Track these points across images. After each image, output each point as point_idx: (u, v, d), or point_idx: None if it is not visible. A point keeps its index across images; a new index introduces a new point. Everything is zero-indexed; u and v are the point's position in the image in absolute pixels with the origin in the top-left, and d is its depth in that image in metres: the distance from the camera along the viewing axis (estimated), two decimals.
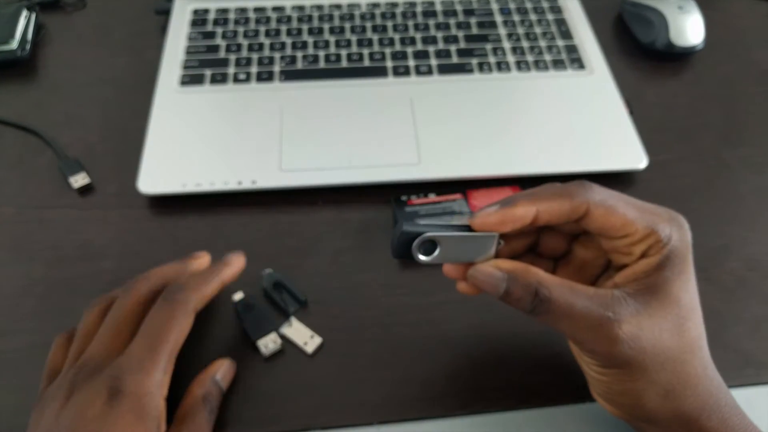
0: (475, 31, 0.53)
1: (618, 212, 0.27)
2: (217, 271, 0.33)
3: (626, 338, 0.25)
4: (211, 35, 0.52)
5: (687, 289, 0.27)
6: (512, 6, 0.55)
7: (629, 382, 0.27)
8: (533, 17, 0.54)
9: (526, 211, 0.27)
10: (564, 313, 0.26)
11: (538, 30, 0.53)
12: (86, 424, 0.26)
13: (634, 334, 0.26)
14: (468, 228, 0.27)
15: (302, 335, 0.36)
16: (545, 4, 0.55)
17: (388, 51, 0.51)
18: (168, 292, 0.31)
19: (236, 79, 0.49)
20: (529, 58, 0.51)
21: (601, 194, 0.27)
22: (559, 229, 0.31)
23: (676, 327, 0.26)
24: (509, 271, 0.27)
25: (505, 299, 0.27)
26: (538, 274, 0.27)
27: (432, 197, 0.42)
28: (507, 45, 0.52)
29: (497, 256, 0.28)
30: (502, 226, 0.27)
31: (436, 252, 0.26)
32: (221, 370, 0.33)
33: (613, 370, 0.27)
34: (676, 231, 0.27)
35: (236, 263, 0.35)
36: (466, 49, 0.51)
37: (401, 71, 0.49)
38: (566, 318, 0.26)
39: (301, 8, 0.54)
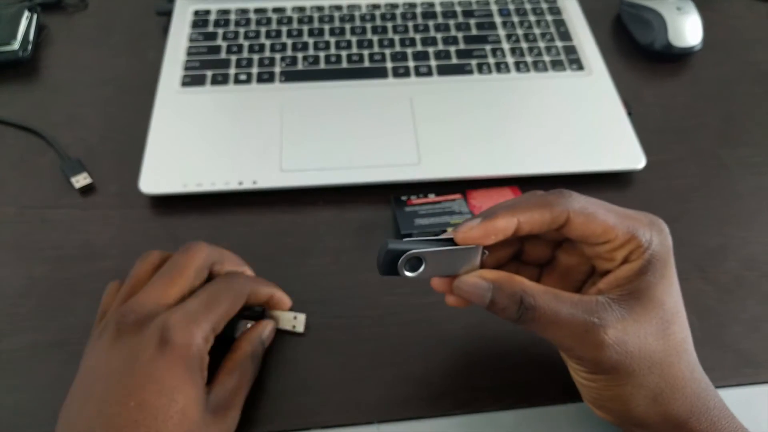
0: (474, 32, 0.53)
1: (598, 219, 0.27)
2: (271, 285, 0.36)
3: (612, 343, 0.26)
4: (212, 36, 0.52)
5: (670, 293, 0.27)
6: (511, 7, 0.55)
7: (617, 387, 0.27)
8: (532, 18, 0.54)
9: (507, 222, 0.27)
10: (549, 321, 0.26)
11: (537, 31, 0.53)
12: (139, 367, 0.28)
13: (620, 339, 0.26)
14: (452, 241, 0.27)
15: (286, 320, 0.36)
16: (544, 6, 0.56)
17: (388, 52, 0.51)
18: (231, 275, 0.34)
19: (237, 80, 0.49)
20: (528, 59, 0.51)
21: (580, 202, 0.27)
22: (543, 237, 0.31)
23: (660, 331, 0.27)
24: (493, 280, 0.27)
25: (491, 309, 0.27)
26: (522, 282, 0.27)
27: (431, 197, 0.42)
28: (506, 46, 0.52)
29: (482, 266, 0.28)
30: (485, 239, 0.27)
31: (422, 268, 0.27)
32: (266, 331, 0.35)
33: (601, 376, 0.27)
34: (657, 235, 0.27)
35: (286, 297, 0.37)
36: (466, 50, 0.52)
37: (401, 72, 0.50)
38: (552, 325, 0.26)
39: (301, 9, 0.55)
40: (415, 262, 0.27)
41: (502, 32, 0.53)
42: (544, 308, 0.26)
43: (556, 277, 0.31)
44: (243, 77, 0.49)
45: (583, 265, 0.30)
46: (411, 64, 0.50)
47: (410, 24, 0.54)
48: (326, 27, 0.53)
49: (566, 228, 0.27)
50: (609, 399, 0.28)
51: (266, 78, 0.49)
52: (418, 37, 0.52)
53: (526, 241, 0.31)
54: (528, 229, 0.27)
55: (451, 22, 0.54)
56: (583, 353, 0.27)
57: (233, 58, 0.50)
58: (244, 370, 0.32)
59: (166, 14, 0.54)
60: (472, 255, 0.28)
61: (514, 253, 0.32)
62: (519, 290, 0.26)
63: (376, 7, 0.55)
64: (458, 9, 0.55)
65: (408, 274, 0.27)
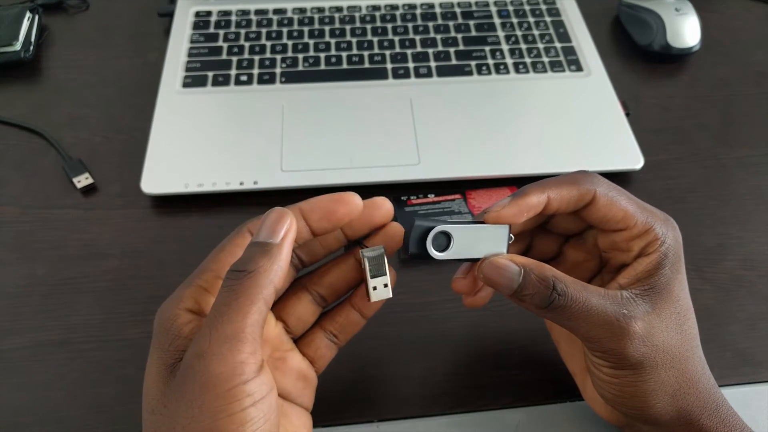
0: (473, 33, 0.53)
1: (620, 204, 0.27)
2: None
3: (642, 335, 0.26)
4: (213, 37, 0.52)
5: (683, 289, 0.28)
6: (510, 9, 0.56)
7: (641, 383, 0.27)
8: (531, 19, 0.55)
9: (539, 198, 0.27)
10: (580, 310, 0.26)
11: (536, 32, 0.54)
12: None
13: (647, 332, 0.26)
14: (480, 224, 0.27)
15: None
16: (543, 7, 0.56)
17: (388, 53, 0.51)
18: None
19: (238, 81, 0.49)
20: (527, 60, 0.51)
21: (604, 184, 0.28)
22: (552, 229, 0.31)
23: (678, 326, 0.27)
24: (524, 264, 0.26)
25: (518, 295, 0.26)
26: (552, 269, 0.26)
27: (431, 197, 0.42)
28: (505, 47, 0.52)
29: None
30: (518, 216, 0.27)
31: (451, 246, 0.26)
32: (265, 226, 0.26)
33: (625, 371, 0.27)
34: (671, 231, 0.28)
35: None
36: (465, 51, 0.52)
37: (401, 73, 0.50)
38: (582, 315, 0.26)
39: (302, 10, 0.55)
40: (442, 242, 0.26)
41: (501, 33, 0.53)
42: (576, 296, 0.26)
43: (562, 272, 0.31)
44: (244, 78, 0.49)
45: (589, 261, 0.31)
46: (411, 65, 0.51)
47: (410, 25, 0.54)
48: (326, 28, 0.53)
49: (589, 208, 0.27)
50: (630, 396, 0.28)
51: (267, 79, 0.49)
52: (417, 38, 0.53)
53: (536, 235, 0.31)
54: (556, 206, 0.27)
55: (451, 23, 0.54)
56: (611, 345, 0.26)
57: (234, 59, 0.51)
58: (221, 292, 0.23)
59: (168, 15, 0.55)
60: (500, 238, 0.27)
61: (525, 248, 0.32)
62: (551, 276, 0.26)
63: (376, 8, 0.55)
64: (458, 10, 0.55)
65: (436, 253, 0.26)
